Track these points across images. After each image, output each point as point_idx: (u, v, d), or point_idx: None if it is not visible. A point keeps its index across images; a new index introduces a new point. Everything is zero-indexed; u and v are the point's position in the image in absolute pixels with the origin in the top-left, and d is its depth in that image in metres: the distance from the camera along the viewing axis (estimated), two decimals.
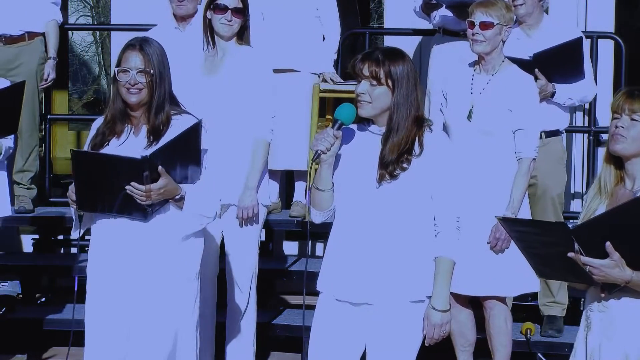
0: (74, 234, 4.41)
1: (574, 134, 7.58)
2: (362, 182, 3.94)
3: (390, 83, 3.86)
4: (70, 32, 19.16)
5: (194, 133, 4.28)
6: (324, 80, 6.94)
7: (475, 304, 5.55)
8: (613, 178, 3.71)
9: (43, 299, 7.01)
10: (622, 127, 3.64)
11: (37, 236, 7.64)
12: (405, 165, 3.87)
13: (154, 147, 4.25)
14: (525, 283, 5.24)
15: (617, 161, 3.71)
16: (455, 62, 6.51)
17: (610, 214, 3.49)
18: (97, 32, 21.46)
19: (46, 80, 7.06)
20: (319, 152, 3.88)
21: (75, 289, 4.44)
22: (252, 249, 5.60)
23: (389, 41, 8.23)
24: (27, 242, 7.69)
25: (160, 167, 4.15)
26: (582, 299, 4.46)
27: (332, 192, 3.98)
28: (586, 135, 7.35)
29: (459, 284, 5.33)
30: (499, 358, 5.47)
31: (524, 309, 6.53)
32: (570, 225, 3.61)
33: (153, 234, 4.29)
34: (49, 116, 7.91)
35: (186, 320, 4.37)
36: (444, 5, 6.80)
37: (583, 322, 3.76)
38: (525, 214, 5.35)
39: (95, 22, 21.66)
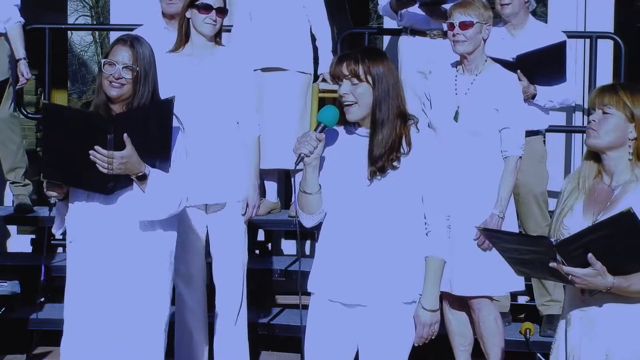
0: (55, 230, 4.41)
1: (573, 134, 7.59)
2: (351, 182, 3.93)
3: (370, 80, 3.86)
4: (69, 32, 19.19)
5: (165, 107, 4.23)
6: (324, 81, 6.94)
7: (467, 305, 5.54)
8: (592, 173, 3.74)
9: (42, 299, 7.00)
10: (594, 120, 3.69)
11: (35, 236, 7.63)
12: (395, 163, 3.87)
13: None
14: (510, 282, 5.20)
15: (596, 157, 3.74)
16: (425, 62, 6.64)
17: (592, 229, 3.50)
18: (97, 32, 21.51)
19: (27, 79, 7.04)
20: (302, 155, 3.88)
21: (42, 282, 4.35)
22: (241, 245, 5.58)
23: (388, 41, 8.24)
24: (26, 242, 7.68)
25: (125, 135, 4.07)
26: None
27: (320, 194, 3.96)
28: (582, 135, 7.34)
29: (447, 283, 5.33)
30: (493, 358, 5.47)
31: (524, 309, 6.53)
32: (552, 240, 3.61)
33: (120, 218, 4.25)
34: None
35: (155, 314, 4.33)
36: (417, 4, 6.80)
37: (563, 318, 3.76)
38: (511, 212, 5.36)
39: (95, 22, 21.70)
